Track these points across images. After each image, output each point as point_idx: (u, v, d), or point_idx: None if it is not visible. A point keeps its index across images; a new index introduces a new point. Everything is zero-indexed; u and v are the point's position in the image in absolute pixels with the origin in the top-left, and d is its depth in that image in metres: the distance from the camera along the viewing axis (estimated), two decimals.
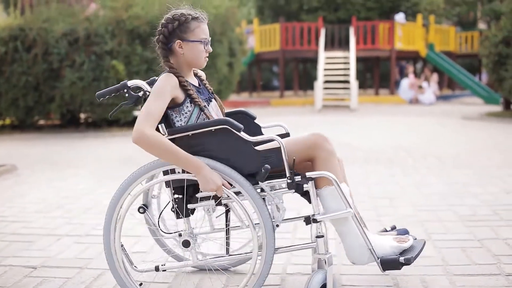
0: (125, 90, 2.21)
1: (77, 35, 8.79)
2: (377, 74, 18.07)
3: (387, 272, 2.43)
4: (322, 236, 2.20)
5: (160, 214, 2.41)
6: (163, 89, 2.13)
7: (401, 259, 2.18)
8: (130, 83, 2.24)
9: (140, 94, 2.26)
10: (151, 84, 2.31)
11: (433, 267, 2.64)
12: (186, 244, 2.23)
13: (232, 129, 2.10)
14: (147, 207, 2.46)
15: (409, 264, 2.17)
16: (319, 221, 2.19)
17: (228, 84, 10.31)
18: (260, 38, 16.97)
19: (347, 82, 14.51)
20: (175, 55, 2.25)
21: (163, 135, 2.13)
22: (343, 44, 16.16)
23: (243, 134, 2.12)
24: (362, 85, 20.38)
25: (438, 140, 7.34)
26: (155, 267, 2.29)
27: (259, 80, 19.31)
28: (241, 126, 2.12)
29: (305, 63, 21.08)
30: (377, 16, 18.08)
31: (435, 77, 16.53)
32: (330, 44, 16.32)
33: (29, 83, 8.81)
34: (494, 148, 6.52)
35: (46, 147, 7.49)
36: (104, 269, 2.72)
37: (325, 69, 14.99)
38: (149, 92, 2.21)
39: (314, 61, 17.95)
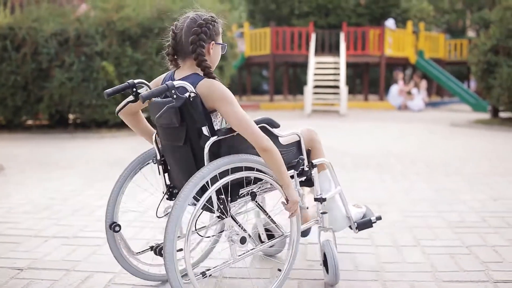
0: (173, 91, 2.07)
1: (67, 35, 8.73)
2: (367, 80, 18.15)
3: (376, 278, 2.60)
4: (326, 213, 2.57)
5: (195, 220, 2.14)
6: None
7: (373, 218, 2.71)
8: (177, 83, 2.10)
9: (186, 95, 2.10)
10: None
11: (422, 273, 2.64)
12: (243, 240, 2.21)
13: (268, 127, 2.30)
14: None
15: (380, 219, 2.77)
16: (325, 199, 2.56)
17: None
18: (251, 42, 16.99)
19: (336, 87, 14.55)
20: (206, 56, 2.24)
21: (208, 137, 2.13)
22: (334, 50, 16.21)
23: (274, 130, 2.34)
24: (351, 91, 20.47)
25: (427, 147, 7.38)
26: (201, 273, 2.11)
27: (249, 84, 19.32)
28: (279, 124, 2.35)
29: (295, 68, 21.12)
30: (367, 22, 18.18)
31: (424, 83, 16.63)
32: (321, 49, 16.36)
33: (17, 83, 8.74)
34: (481, 155, 6.56)
35: (34, 148, 7.43)
36: (92, 272, 2.70)
37: (315, 74, 15.02)
38: (194, 93, 2.10)
39: (304, 65, 17.98)
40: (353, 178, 5.08)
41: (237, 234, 2.20)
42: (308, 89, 13.79)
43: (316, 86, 14.73)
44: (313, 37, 15.79)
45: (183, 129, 2.15)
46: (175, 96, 2.08)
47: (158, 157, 2.42)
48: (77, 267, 2.77)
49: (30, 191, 4.59)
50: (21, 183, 4.95)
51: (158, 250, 2.36)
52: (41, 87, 8.82)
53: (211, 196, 2.10)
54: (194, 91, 2.11)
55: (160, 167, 2.43)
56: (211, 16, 2.28)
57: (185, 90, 2.11)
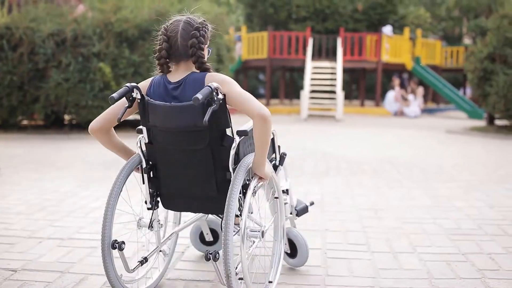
0: (215, 94, 2.06)
1: (64, 36, 8.71)
2: (363, 86, 18.19)
3: (372, 284, 2.61)
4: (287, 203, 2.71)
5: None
6: None
7: (308, 205, 2.93)
8: (215, 85, 2.07)
9: (220, 96, 2.11)
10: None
11: (419, 280, 2.64)
12: (263, 234, 2.25)
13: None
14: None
15: (313, 204, 3.04)
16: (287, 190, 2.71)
17: None
18: (248, 45, 17.00)
19: (333, 92, 14.58)
20: None
21: (232, 138, 2.21)
22: (330, 55, 16.26)
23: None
24: (348, 96, 20.51)
25: (422, 153, 7.39)
26: (239, 278, 2.13)
27: (245, 87, 19.32)
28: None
29: (292, 72, 21.16)
30: (364, 28, 18.23)
31: (420, 90, 16.68)
32: (318, 54, 16.40)
33: (13, 83, 8.70)
34: (477, 162, 6.57)
35: (29, 148, 7.39)
36: (87, 274, 2.68)
37: (312, 79, 15.05)
38: (223, 94, 2.12)
39: (301, 70, 18.02)
40: (349, 184, 5.08)
41: (254, 231, 2.22)
42: (305, 93, 13.80)
43: (313, 91, 14.75)
44: (310, 42, 15.83)
45: (207, 131, 2.13)
46: (215, 98, 2.07)
47: (144, 165, 2.34)
48: (71, 269, 2.75)
49: (25, 192, 4.56)
50: (16, 184, 4.92)
51: (212, 255, 2.09)
52: (37, 87, 8.79)
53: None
54: (222, 92, 2.11)
55: (145, 175, 2.36)
56: (203, 20, 2.29)
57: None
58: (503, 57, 9.89)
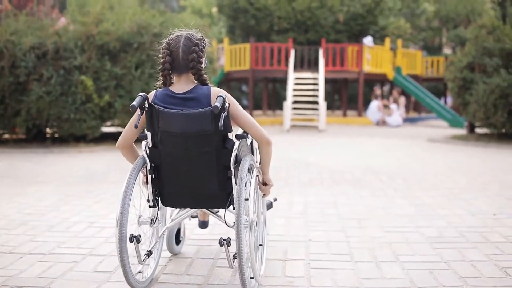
0: (226, 101, 2.42)
1: (45, 49, 8.65)
2: (345, 96, 18.31)
3: None
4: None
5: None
6: None
7: (272, 201, 3.25)
8: (224, 95, 2.44)
9: (227, 105, 2.46)
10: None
11: None
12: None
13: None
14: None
15: (276, 200, 3.38)
16: None
17: None
18: (230, 57, 17.04)
19: (315, 103, 14.66)
20: None
21: (233, 140, 2.54)
22: (312, 66, 16.36)
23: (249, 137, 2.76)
24: (330, 106, 20.62)
25: (405, 162, 7.44)
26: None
27: None
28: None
29: (275, 83, 21.23)
30: (346, 38, 18.39)
31: (403, 100, 16.84)
32: (300, 65, 16.49)
33: None
34: (458, 170, 6.64)
35: (9, 162, 7.31)
36: None
37: (294, 90, 15.12)
38: (228, 103, 2.44)
39: (283, 81, 18.06)
40: (332, 194, 5.10)
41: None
42: (287, 104, 13.85)
43: (295, 102, 14.81)
44: (292, 53, 15.91)
45: (214, 135, 2.44)
46: (225, 107, 2.40)
47: (148, 166, 2.56)
48: (53, 284, 2.72)
49: (5, 207, 4.50)
50: None
51: (226, 241, 2.42)
52: (19, 100, 8.71)
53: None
54: (227, 101, 2.44)
55: (149, 176, 2.57)
56: (201, 35, 2.57)
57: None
58: (482, 66, 10.03)
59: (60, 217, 4.14)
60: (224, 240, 2.39)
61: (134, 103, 2.37)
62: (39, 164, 7.13)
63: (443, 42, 27.71)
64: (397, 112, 15.94)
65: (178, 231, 3.18)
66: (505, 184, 5.63)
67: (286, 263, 3.05)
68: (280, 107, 17.50)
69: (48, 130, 9.67)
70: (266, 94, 19.12)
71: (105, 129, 10.13)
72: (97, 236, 3.60)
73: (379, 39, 19.12)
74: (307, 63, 16.53)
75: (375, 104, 16.17)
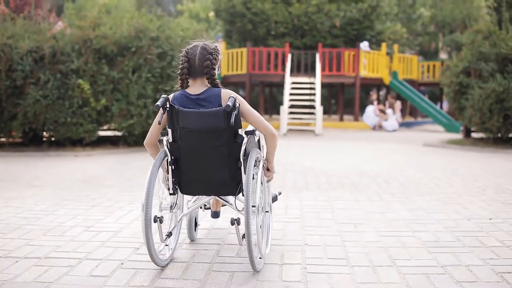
0: (236, 102, 2.84)
1: (43, 53, 8.65)
2: (342, 100, 18.35)
3: None
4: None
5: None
6: None
7: (277, 194, 3.58)
8: (235, 96, 2.87)
9: (237, 105, 2.88)
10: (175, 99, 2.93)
11: None
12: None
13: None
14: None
15: (280, 194, 3.70)
16: None
17: None
18: (227, 61, 17.06)
19: (312, 107, 14.68)
20: None
21: (242, 136, 2.93)
22: (309, 70, 16.39)
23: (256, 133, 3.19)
24: (327, 111, 20.66)
25: (401, 166, 7.45)
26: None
27: None
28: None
29: (271, 88, 21.27)
30: (342, 43, 18.44)
31: (398, 104, 16.88)
32: (296, 70, 16.52)
33: None
34: (454, 175, 6.65)
35: (5, 165, 7.29)
36: None
37: (291, 94, 15.14)
38: (238, 103, 2.87)
39: (280, 85, 18.10)
40: (329, 198, 5.10)
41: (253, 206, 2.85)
42: (284, 108, 13.87)
43: (292, 106, 14.84)
44: (289, 57, 15.94)
45: (227, 131, 2.85)
46: (236, 106, 2.81)
47: (169, 159, 2.96)
48: None
49: (1, 211, 4.48)
50: None
51: (236, 221, 2.85)
52: (15, 104, 8.70)
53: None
54: (238, 102, 2.85)
55: (170, 167, 2.97)
56: (215, 46, 3.00)
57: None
58: (478, 71, 10.07)
59: (56, 221, 4.13)
60: (235, 220, 2.82)
61: (158, 103, 2.79)
62: (35, 168, 7.12)
63: (439, 47, 27.83)
64: (393, 117, 15.98)
65: (195, 220, 3.52)
66: (501, 189, 5.64)
67: (282, 267, 3.05)
68: (277, 111, 17.51)
69: (44, 133, 9.65)
70: (263, 99, 19.12)
71: (102, 133, 10.12)
72: (93, 240, 3.59)
73: (375, 44, 19.18)
74: (303, 67, 16.57)
75: (371, 109, 16.21)
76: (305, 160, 8.00)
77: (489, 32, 10.22)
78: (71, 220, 4.17)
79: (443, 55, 26.51)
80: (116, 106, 8.79)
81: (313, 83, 15.37)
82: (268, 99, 21.11)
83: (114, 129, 9.77)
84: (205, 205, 3.53)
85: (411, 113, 20.68)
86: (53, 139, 9.62)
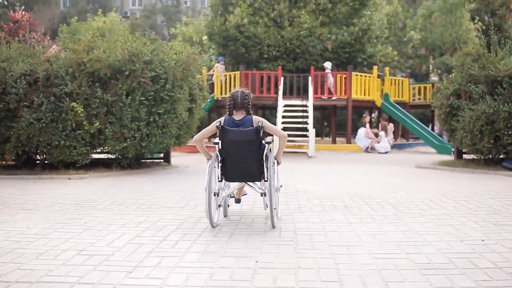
0: (261, 125, 4.68)
1: (36, 76, 8.68)
2: (334, 123, 18.44)
3: None
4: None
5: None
6: None
7: (281, 184, 5.56)
8: (260, 120, 4.74)
9: (260, 124, 4.74)
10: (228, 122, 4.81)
11: None
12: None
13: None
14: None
15: (281, 186, 5.78)
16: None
17: (187, 129, 10.29)
18: (220, 84, 17.16)
19: (305, 129, 14.74)
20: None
21: (265, 144, 4.75)
22: (302, 93, 16.50)
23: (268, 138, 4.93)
24: (319, 133, 20.74)
25: (393, 188, 7.48)
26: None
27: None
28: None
29: (264, 110, 21.36)
30: (334, 66, 18.59)
31: (391, 126, 16.98)
32: (289, 92, 16.62)
33: None
34: (446, 196, 6.68)
35: None
36: None
37: (284, 116, 15.22)
38: (262, 125, 4.69)
39: (273, 108, 18.17)
40: (322, 220, 5.11)
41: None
42: None
43: (285, 129, 14.88)
44: (281, 80, 16.05)
45: (256, 141, 4.66)
46: (261, 126, 4.67)
47: (219, 159, 4.78)
48: None
49: None
50: None
51: (264, 193, 4.85)
52: (8, 127, 8.69)
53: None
54: (263, 125, 4.69)
55: (220, 164, 4.79)
56: (249, 91, 4.91)
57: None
58: (468, 93, 10.17)
59: (48, 244, 4.12)
60: (263, 193, 4.80)
61: (217, 123, 4.70)
62: (28, 191, 7.09)
63: (430, 69, 28.12)
64: (385, 139, 16.06)
65: (227, 203, 5.35)
66: (493, 210, 5.67)
67: (277, 271, 3.06)
68: (270, 133, 17.53)
69: (37, 156, 9.63)
70: None
71: (95, 156, 10.10)
72: (86, 264, 3.58)
73: (367, 66, 19.36)
74: (296, 90, 16.68)
75: (362, 131, 16.30)
76: (298, 183, 8.01)
77: (478, 54, 10.34)
78: (63, 243, 4.15)
79: (433, 77, 26.78)
80: (110, 129, 8.81)
81: (305, 106, 15.46)
82: None
83: (108, 152, 9.76)
84: (231, 195, 5.21)
85: (403, 135, 20.79)
86: (46, 162, 9.59)
